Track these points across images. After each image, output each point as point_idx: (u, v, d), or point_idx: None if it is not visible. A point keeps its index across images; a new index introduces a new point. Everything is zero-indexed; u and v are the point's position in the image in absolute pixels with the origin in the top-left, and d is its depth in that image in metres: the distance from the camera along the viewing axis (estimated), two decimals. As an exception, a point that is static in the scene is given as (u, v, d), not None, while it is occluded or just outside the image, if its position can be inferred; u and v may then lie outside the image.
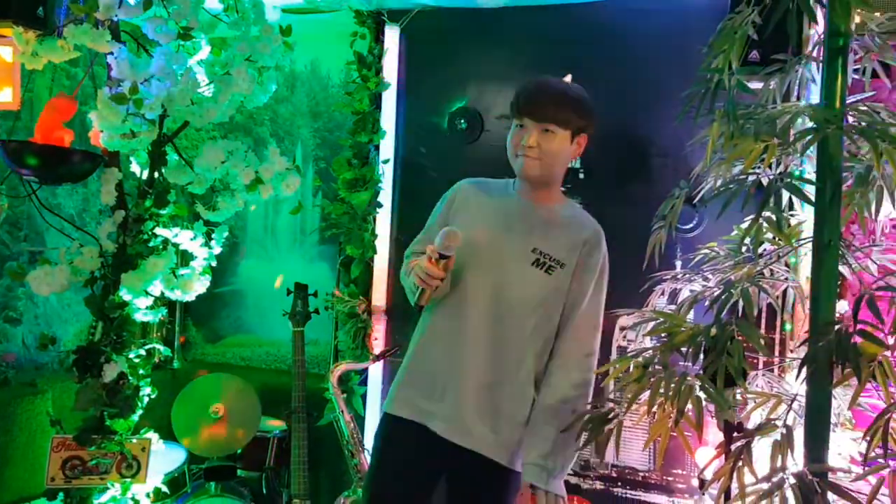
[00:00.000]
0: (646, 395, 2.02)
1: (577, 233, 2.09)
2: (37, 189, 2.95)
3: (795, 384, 2.32)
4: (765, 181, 2.08)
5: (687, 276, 2.54)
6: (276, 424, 3.64)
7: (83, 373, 2.94)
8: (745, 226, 2.48)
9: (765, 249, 2.49)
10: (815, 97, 2.76)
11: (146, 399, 3.08)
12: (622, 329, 3.16)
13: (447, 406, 2.02)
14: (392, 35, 3.60)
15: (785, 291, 2.59)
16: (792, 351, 2.78)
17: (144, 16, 2.72)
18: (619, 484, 3.14)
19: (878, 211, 2.08)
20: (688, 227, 3.06)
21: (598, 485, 3.17)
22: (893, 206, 2.12)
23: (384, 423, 2.18)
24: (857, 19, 2.16)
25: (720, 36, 2.10)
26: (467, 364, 2.02)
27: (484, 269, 2.02)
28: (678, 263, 3.03)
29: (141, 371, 3.06)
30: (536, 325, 2.04)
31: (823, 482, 1.76)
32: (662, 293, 2.62)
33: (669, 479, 3.07)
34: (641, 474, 3.11)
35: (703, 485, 2.89)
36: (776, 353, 2.85)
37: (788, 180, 1.89)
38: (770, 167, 2.32)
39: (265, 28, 2.89)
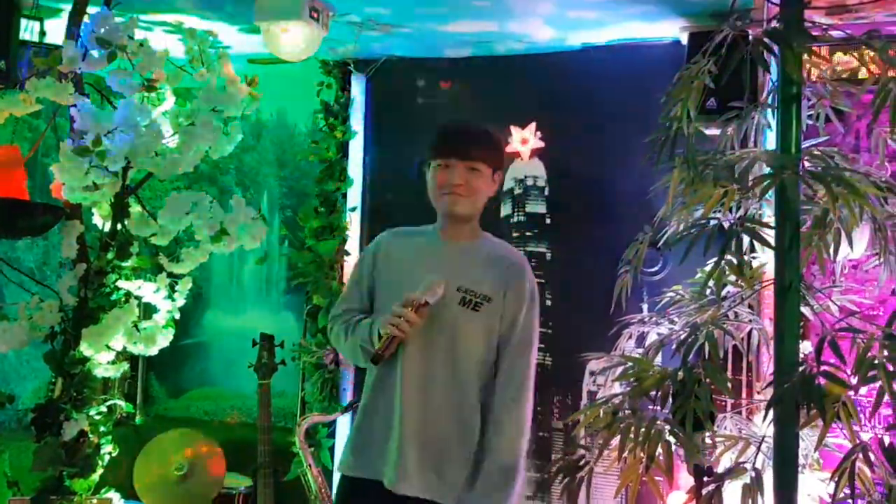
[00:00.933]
0: (616, 440, 2.02)
1: (501, 266, 2.08)
2: (-6, 244, 2.91)
3: (763, 426, 2.34)
4: (726, 225, 2.12)
5: (654, 319, 2.56)
6: (241, 480, 3.55)
7: (42, 431, 2.86)
8: (708, 269, 2.52)
9: (728, 292, 2.53)
10: (771, 143, 2.85)
11: (107, 457, 3.00)
12: (592, 374, 3.17)
13: (392, 458, 1.99)
14: (359, 84, 3.65)
15: (749, 333, 2.62)
16: (759, 392, 2.80)
17: (108, 68, 2.72)
18: (593, 532, 3.11)
19: (836, 252, 2.12)
20: (653, 270, 3.09)
21: (572, 533, 3.13)
22: (851, 247, 2.17)
23: (341, 486, 2.14)
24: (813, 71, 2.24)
25: (678, 85, 2.16)
26: (405, 413, 1.99)
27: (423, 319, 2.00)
28: (645, 306, 3.05)
29: (102, 428, 2.98)
30: (473, 362, 2.03)
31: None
32: (630, 336, 2.63)
33: (643, 525, 3.05)
34: (614, 521, 3.09)
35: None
36: (743, 396, 2.87)
37: (748, 224, 1.93)
38: (730, 211, 2.38)
39: (231, 79, 2.90)
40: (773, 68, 2.43)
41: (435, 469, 1.99)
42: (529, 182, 3.33)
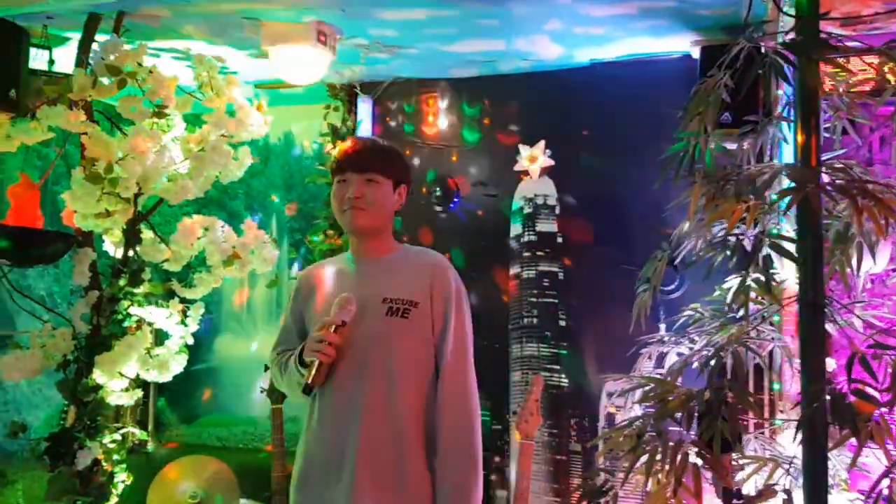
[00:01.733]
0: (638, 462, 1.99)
1: (421, 268, 2.05)
2: (8, 272, 2.89)
3: (791, 446, 2.30)
4: (747, 242, 2.09)
5: (674, 338, 2.52)
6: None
7: (55, 461, 2.83)
8: (727, 286, 2.49)
9: (746, 308, 2.49)
10: (787, 156, 2.82)
11: (121, 485, 2.97)
12: (609, 395, 3.12)
13: (345, 485, 1.91)
14: (365, 107, 3.63)
15: (771, 351, 2.58)
16: (782, 411, 2.75)
17: (118, 95, 2.72)
18: (614, 555, 3.05)
19: (859, 267, 2.09)
20: (669, 288, 3.05)
21: (592, 558, 3.07)
22: (874, 261, 2.13)
23: None
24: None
25: (695, 99, 2.13)
26: (354, 435, 1.92)
27: (347, 341, 1.95)
28: (662, 326, 3.00)
29: (115, 457, 2.96)
30: (411, 371, 1.98)
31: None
32: (650, 357, 2.59)
33: (665, 547, 2.99)
34: (635, 543, 3.03)
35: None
36: (765, 415, 2.82)
37: (772, 240, 1.90)
38: (752, 227, 2.35)
39: (241, 104, 2.89)
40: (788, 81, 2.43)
41: (393, 486, 1.93)
42: (539, 201, 3.29)
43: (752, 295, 2.22)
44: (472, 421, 1.98)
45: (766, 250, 2.02)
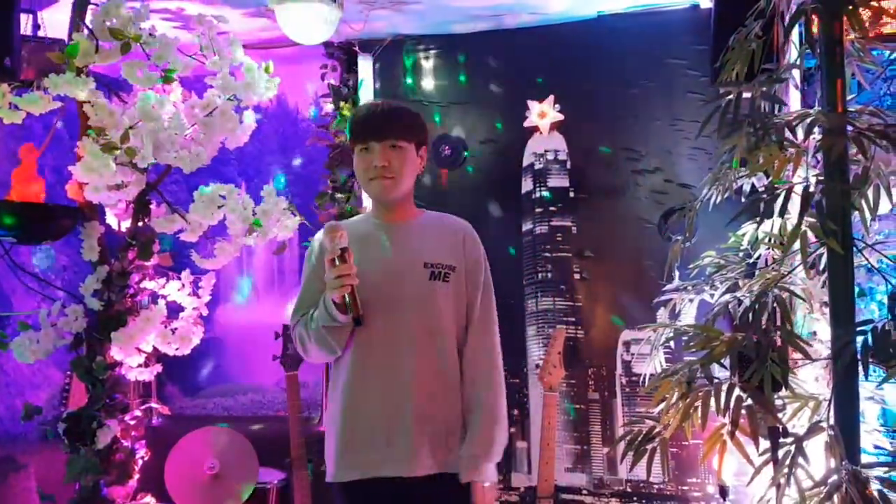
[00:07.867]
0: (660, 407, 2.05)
1: (453, 233, 2.09)
2: (9, 249, 2.79)
3: (813, 384, 2.39)
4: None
5: (697, 286, 2.57)
6: (274, 474, 3.48)
7: (75, 441, 2.77)
8: (741, 232, 2.54)
9: (759, 255, 2.55)
10: (794, 104, 2.87)
11: (140, 462, 2.94)
12: (625, 344, 3.18)
13: (402, 449, 1.95)
14: (366, 66, 3.54)
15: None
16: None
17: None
18: (635, 499, 3.13)
19: (877, 208, 2.15)
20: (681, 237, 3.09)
21: (614, 501, 3.16)
22: (892, 203, 2.20)
23: (340, 497, 2.03)
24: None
25: (734, 50, 2.15)
26: (407, 399, 1.96)
27: (388, 305, 1.97)
28: (676, 274, 3.05)
29: (133, 433, 2.92)
30: (452, 331, 2.04)
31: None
32: (674, 305, 2.64)
33: (685, 488, 3.09)
34: (656, 487, 3.12)
35: (723, 492, 2.92)
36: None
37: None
38: (766, 175, 2.40)
39: (247, 66, 2.81)
40: (800, 29, 2.46)
41: (445, 446, 1.99)
42: (550, 156, 3.28)
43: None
44: (502, 385, 2.07)
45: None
